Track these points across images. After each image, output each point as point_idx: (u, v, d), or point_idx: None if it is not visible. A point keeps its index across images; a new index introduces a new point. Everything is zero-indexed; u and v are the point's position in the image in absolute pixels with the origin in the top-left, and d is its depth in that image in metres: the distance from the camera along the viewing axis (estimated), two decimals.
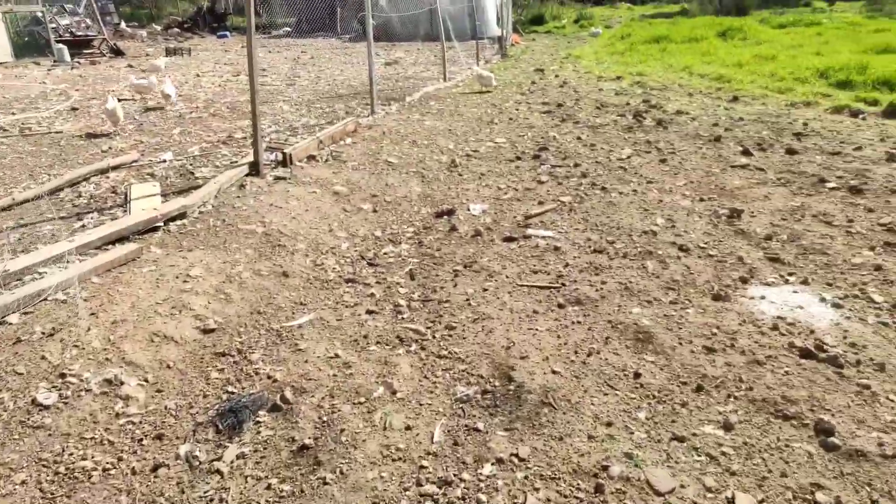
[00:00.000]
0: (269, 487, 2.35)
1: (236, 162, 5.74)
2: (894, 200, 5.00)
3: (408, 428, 2.64)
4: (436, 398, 2.84)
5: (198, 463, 2.47)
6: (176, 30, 21.82)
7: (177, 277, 3.66)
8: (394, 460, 2.47)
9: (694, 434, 2.59)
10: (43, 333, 3.09)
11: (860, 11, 21.56)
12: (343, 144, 6.60)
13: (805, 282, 3.80)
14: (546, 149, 6.82)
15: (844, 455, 2.44)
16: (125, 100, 9.07)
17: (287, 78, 11.64)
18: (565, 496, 2.30)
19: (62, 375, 2.83)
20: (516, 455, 2.48)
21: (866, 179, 5.49)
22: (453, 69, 12.11)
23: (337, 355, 3.13)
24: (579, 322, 3.43)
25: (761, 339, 3.21)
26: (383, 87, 10.23)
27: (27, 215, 4.73)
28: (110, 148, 6.50)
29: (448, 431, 2.63)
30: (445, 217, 5.00)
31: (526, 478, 2.37)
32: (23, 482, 2.33)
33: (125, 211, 4.67)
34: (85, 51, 15.60)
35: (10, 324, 3.17)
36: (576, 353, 3.15)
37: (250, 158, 5.53)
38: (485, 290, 3.81)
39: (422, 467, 2.43)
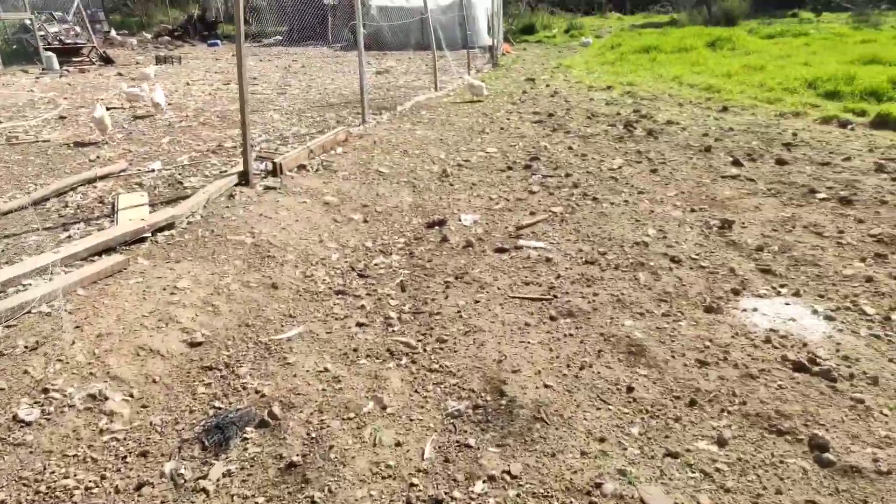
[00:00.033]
0: None
1: (226, 171, 5.70)
2: (884, 211, 5.02)
3: (398, 444, 2.60)
4: (426, 413, 2.80)
5: (183, 481, 2.41)
6: (166, 38, 21.73)
7: (164, 289, 3.61)
8: (383, 478, 2.42)
9: (688, 450, 2.56)
10: (26, 347, 3.03)
11: (846, 22, 21.80)
12: (334, 154, 6.56)
13: (797, 293, 3.79)
14: (537, 159, 6.82)
15: (839, 471, 2.42)
16: (114, 108, 9.00)
17: (278, 87, 11.61)
18: None
19: (45, 390, 2.77)
20: (508, 472, 2.44)
21: (856, 190, 5.51)
22: (444, 78, 12.12)
23: (326, 369, 3.09)
24: (571, 335, 3.40)
25: (754, 353, 3.19)
26: (374, 97, 10.21)
27: (12, 226, 4.66)
28: (98, 157, 6.43)
29: (439, 447, 2.59)
30: (437, 227, 4.97)
31: (518, 496, 2.33)
32: (2, 502, 2.26)
33: (112, 221, 4.61)
34: (74, 59, 15.50)
35: None
36: (568, 366, 3.12)
37: (240, 168, 5.49)
38: (476, 302, 3.78)
39: (412, 485, 2.39)
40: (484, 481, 2.40)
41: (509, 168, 6.55)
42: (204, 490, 2.36)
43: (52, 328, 3.16)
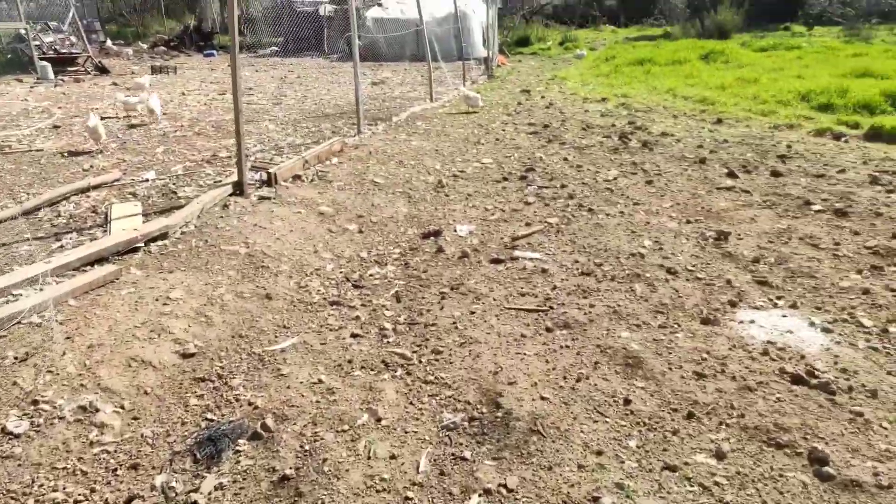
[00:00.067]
0: None
1: (220, 181, 5.67)
2: (879, 223, 5.03)
3: (393, 457, 2.56)
4: (422, 425, 2.77)
5: (174, 494, 2.37)
6: (162, 48, 21.73)
7: (156, 300, 3.57)
8: (378, 491, 2.38)
9: (686, 463, 2.53)
10: (15, 358, 2.98)
11: (838, 36, 22.01)
12: (329, 164, 6.55)
13: (794, 305, 3.78)
14: (533, 170, 6.82)
15: (839, 485, 2.40)
16: (108, 118, 8.97)
17: (273, 97, 11.61)
18: None
19: (34, 402, 2.73)
20: (504, 485, 2.41)
21: (851, 202, 5.53)
22: (440, 89, 12.15)
23: (320, 381, 3.05)
24: (567, 346, 3.38)
25: (752, 365, 3.17)
26: (370, 107, 10.22)
27: (3, 236, 4.62)
28: (92, 166, 6.40)
29: (434, 460, 2.55)
30: (432, 238, 4.95)
31: None
32: None
33: (105, 231, 4.58)
34: (69, 68, 15.47)
35: None
36: (564, 378, 3.09)
37: (234, 178, 5.46)
38: (472, 313, 3.76)
39: (407, 498, 2.35)
40: (480, 495, 2.37)
41: (505, 179, 6.55)
42: (195, 503, 2.32)
43: (42, 339, 3.11)
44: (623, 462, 2.54)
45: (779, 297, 3.89)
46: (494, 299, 3.93)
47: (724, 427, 2.74)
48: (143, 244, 4.29)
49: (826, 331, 3.50)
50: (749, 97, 10.80)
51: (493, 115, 10.14)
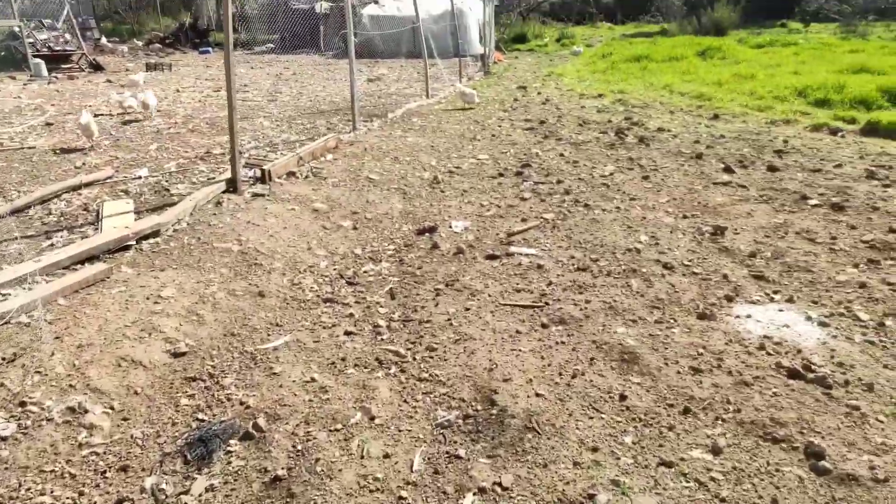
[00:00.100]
0: None
1: (214, 178, 5.63)
2: (876, 217, 5.01)
3: (386, 456, 2.53)
4: (416, 423, 2.73)
5: (164, 497, 2.33)
6: (158, 45, 21.63)
7: (147, 298, 3.53)
8: (371, 491, 2.35)
9: (682, 459, 2.51)
10: (3, 359, 2.94)
11: (834, 32, 21.99)
12: (324, 161, 6.51)
13: (790, 300, 3.76)
14: (529, 165, 6.79)
15: (836, 479, 2.38)
16: (102, 115, 8.92)
17: (268, 94, 11.55)
18: None
19: (22, 404, 2.69)
20: (499, 484, 2.38)
21: (847, 196, 5.51)
22: (436, 86, 12.11)
23: (313, 379, 3.02)
24: (563, 342, 3.35)
25: (748, 360, 3.15)
26: (366, 104, 10.18)
27: None
28: (84, 164, 6.35)
29: (428, 459, 2.52)
30: (427, 234, 4.91)
31: None
32: None
33: (96, 229, 4.54)
34: (63, 66, 15.38)
35: None
36: (560, 374, 3.06)
37: (228, 175, 5.42)
38: (467, 309, 3.72)
39: (400, 498, 2.32)
40: (474, 494, 2.34)
41: (500, 175, 6.52)
42: None
43: (30, 339, 3.07)
44: (619, 458, 2.51)
45: (775, 292, 3.87)
46: (489, 295, 3.90)
47: (720, 422, 2.71)
48: (134, 242, 4.25)
49: (823, 325, 3.48)
50: (746, 93, 10.77)
51: (490, 112, 10.11)
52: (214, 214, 4.82)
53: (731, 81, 11.75)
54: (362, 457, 2.52)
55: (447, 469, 2.47)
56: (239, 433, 2.64)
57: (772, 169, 6.45)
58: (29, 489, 2.32)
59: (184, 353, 3.16)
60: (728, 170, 6.47)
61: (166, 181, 5.75)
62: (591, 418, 2.75)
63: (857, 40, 18.68)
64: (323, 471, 2.43)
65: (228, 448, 2.56)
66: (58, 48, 15.98)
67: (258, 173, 5.69)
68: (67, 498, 2.30)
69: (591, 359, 3.19)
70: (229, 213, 4.84)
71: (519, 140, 8.05)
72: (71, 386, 2.82)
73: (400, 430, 2.69)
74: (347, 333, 3.46)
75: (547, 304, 3.77)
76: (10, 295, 3.45)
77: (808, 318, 3.54)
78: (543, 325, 3.52)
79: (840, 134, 7.92)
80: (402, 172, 6.44)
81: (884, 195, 5.54)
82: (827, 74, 11.32)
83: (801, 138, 7.83)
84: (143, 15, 27.75)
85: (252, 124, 8.49)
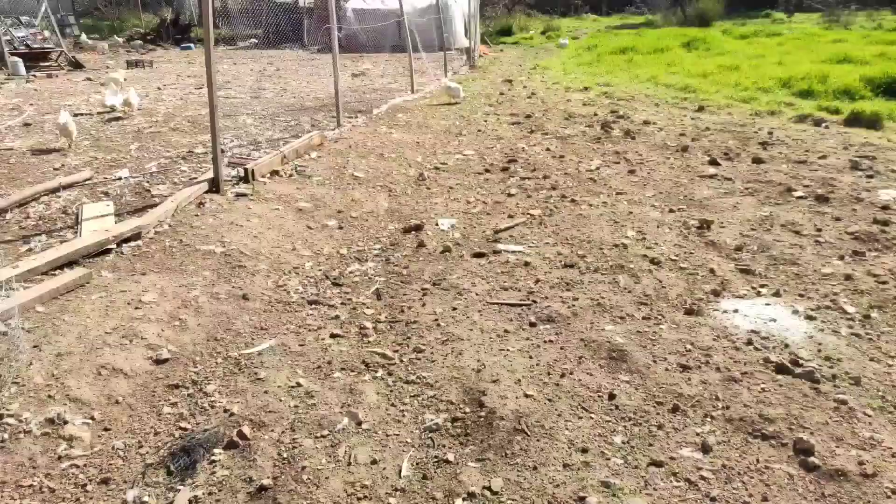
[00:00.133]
0: None
1: (196, 179, 5.54)
2: (860, 209, 5.03)
3: (374, 462, 2.50)
4: (403, 427, 2.70)
5: None
6: (139, 42, 21.31)
7: (128, 304, 3.46)
8: (359, 499, 2.32)
9: (672, 458, 2.49)
10: None
11: (818, 23, 22.13)
12: (308, 159, 6.43)
13: (777, 293, 3.76)
14: (515, 161, 6.75)
15: (825, 475, 2.37)
16: (82, 114, 8.77)
17: (252, 90, 11.42)
18: None
19: None
20: (489, 488, 2.35)
21: (832, 188, 5.52)
22: (421, 81, 12.03)
23: (299, 384, 2.97)
24: (551, 341, 3.33)
25: (736, 355, 3.14)
26: (350, 99, 10.09)
27: None
28: (63, 165, 6.23)
29: (417, 464, 2.49)
30: (413, 232, 4.87)
31: None
32: None
33: (76, 233, 4.45)
34: (42, 64, 15.10)
35: None
36: (549, 374, 3.04)
37: (210, 175, 5.34)
38: (454, 309, 3.69)
39: None
40: (464, 499, 2.31)
41: (487, 171, 6.48)
42: None
43: (7, 348, 2.99)
44: (608, 459, 2.49)
45: (762, 285, 3.87)
46: (477, 294, 3.87)
47: (709, 420, 2.70)
48: (114, 245, 4.17)
49: (809, 318, 3.48)
50: (730, 84, 10.80)
51: (475, 106, 10.06)
52: (197, 216, 4.75)
53: (715, 73, 11.78)
54: (349, 463, 2.48)
55: (436, 474, 2.44)
56: (223, 442, 2.59)
57: (757, 161, 6.46)
58: None
59: (166, 360, 3.10)
60: (714, 162, 6.48)
61: (147, 182, 5.66)
62: (581, 418, 2.73)
63: (841, 30, 18.80)
64: (309, 479, 2.39)
65: (212, 457, 2.51)
66: (36, 46, 15.70)
67: (241, 172, 5.61)
68: None
69: (580, 357, 3.17)
70: (212, 215, 4.77)
71: (505, 135, 8.02)
72: (50, 396, 2.76)
73: (388, 435, 2.65)
74: (333, 336, 3.42)
75: (535, 302, 3.74)
76: None
77: (795, 312, 3.54)
78: (531, 324, 3.50)
79: (824, 125, 7.95)
80: (388, 169, 6.39)
81: (868, 186, 5.56)
82: (811, 65, 11.38)
83: (785, 129, 7.85)
84: (123, 11, 27.37)
85: (235, 122, 8.38)
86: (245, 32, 21.02)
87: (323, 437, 2.62)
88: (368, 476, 2.42)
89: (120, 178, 5.74)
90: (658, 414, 2.75)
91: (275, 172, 5.87)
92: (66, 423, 2.62)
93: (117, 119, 8.44)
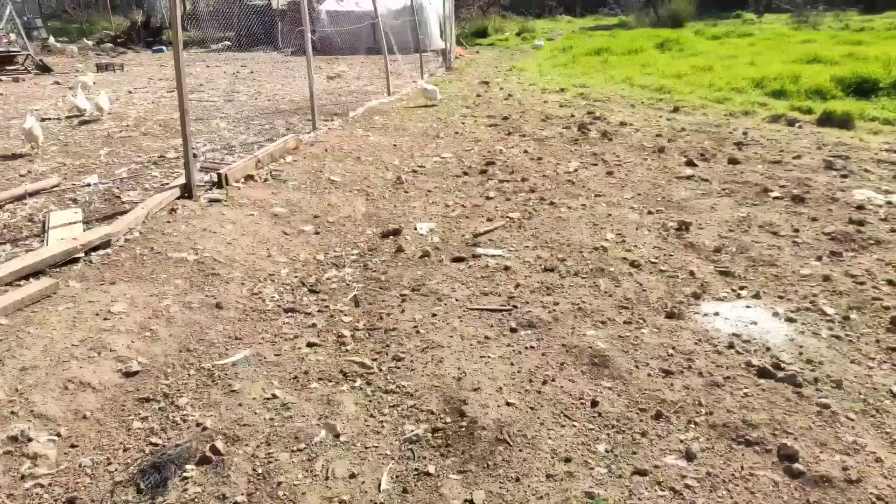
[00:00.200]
0: None
1: (167, 184, 5.41)
2: (836, 209, 5.07)
3: (352, 476, 2.42)
4: (383, 439, 2.63)
5: None
6: (109, 45, 20.90)
7: (97, 315, 3.34)
8: None
9: (656, 466, 2.46)
10: None
11: (787, 23, 22.50)
12: (283, 163, 6.33)
13: (757, 296, 3.76)
14: (493, 163, 6.72)
15: (810, 482, 2.35)
16: (49, 119, 8.54)
17: (225, 93, 11.24)
18: None
19: None
20: (470, 501, 2.29)
21: (808, 188, 5.57)
22: (397, 83, 11.95)
23: (274, 395, 2.89)
24: (532, 347, 3.28)
25: (718, 359, 3.13)
26: (325, 102, 9.98)
27: None
28: (29, 172, 6.04)
29: (396, 477, 2.43)
30: (391, 237, 4.80)
31: None
32: None
33: (42, 241, 4.30)
34: (7, 67, 14.74)
35: None
36: (530, 381, 2.99)
37: (182, 180, 5.21)
38: (434, 315, 3.63)
39: None
40: None
41: (465, 173, 6.43)
42: None
43: None
44: (592, 469, 2.45)
45: (742, 287, 3.87)
46: (457, 300, 3.81)
47: (692, 426, 2.67)
48: (83, 254, 4.03)
49: (790, 320, 3.48)
50: (704, 85, 10.90)
51: (452, 108, 10.01)
52: (168, 222, 4.62)
53: (689, 74, 11.89)
54: (327, 478, 2.41)
55: (416, 487, 2.37)
56: (195, 457, 2.49)
57: (733, 161, 6.50)
58: None
59: (136, 373, 2.99)
60: (690, 163, 6.51)
61: (117, 188, 5.51)
62: (563, 426, 2.69)
63: (809, 30, 19.13)
64: (286, 495, 2.31)
65: (184, 474, 2.42)
66: (1, 49, 15.32)
67: (214, 178, 5.49)
68: None
69: (562, 364, 3.13)
70: (184, 221, 4.65)
71: (483, 137, 7.98)
72: (13, 413, 2.64)
73: (366, 447, 2.58)
74: (310, 345, 3.33)
75: (515, 307, 3.70)
76: None
77: (776, 314, 3.54)
78: (512, 330, 3.45)
79: (797, 125, 8.05)
80: (365, 173, 6.31)
81: (842, 185, 5.62)
82: (782, 65, 11.53)
83: (759, 130, 7.93)
84: (93, 13, 26.86)
85: (208, 126, 8.22)
86: (216, 35, 20.71)
87: (299, 450, 2.54)
88: (347, 490, 2.35)
89: (89, 185, 5.58)
90: (641, 421, 2.72)
91: (249, 177, 5.76)
92: (30, 440, 2.51)
93: (86, 123, 8.24)
